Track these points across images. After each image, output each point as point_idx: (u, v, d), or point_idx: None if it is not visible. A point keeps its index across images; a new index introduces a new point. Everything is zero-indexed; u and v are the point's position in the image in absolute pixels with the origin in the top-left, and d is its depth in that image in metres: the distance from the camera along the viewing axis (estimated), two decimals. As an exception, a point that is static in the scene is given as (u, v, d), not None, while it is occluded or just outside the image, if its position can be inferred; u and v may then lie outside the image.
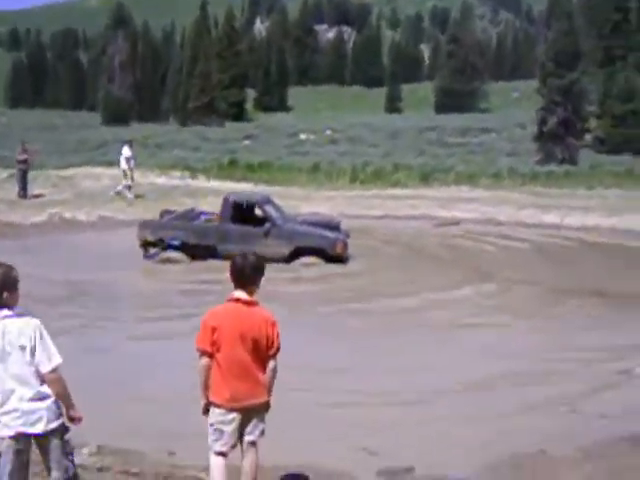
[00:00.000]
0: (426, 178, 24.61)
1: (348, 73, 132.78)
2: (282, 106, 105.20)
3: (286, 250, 14.48)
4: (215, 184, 24.33)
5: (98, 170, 28.88)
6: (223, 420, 5.15)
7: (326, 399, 7.61)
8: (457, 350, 9.50)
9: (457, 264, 14.90)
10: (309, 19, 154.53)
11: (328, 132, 53.78)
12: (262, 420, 5.31)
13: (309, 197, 21.53)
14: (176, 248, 14.55)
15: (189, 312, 10.84)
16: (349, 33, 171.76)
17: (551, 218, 17.89)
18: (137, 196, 22.40)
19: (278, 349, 5.24)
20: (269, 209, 14.86)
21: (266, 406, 5.30)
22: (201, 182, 25.28)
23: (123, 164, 23.42)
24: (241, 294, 5.26)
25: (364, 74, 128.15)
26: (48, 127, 75.75)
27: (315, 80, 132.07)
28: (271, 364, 5.24)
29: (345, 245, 14.61)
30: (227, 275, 5.17)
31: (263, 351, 5.16)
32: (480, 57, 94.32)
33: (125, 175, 23.42)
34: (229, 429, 5.14)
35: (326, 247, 14.39)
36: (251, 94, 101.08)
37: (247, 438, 5.23)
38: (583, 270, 14.31)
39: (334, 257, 14.42)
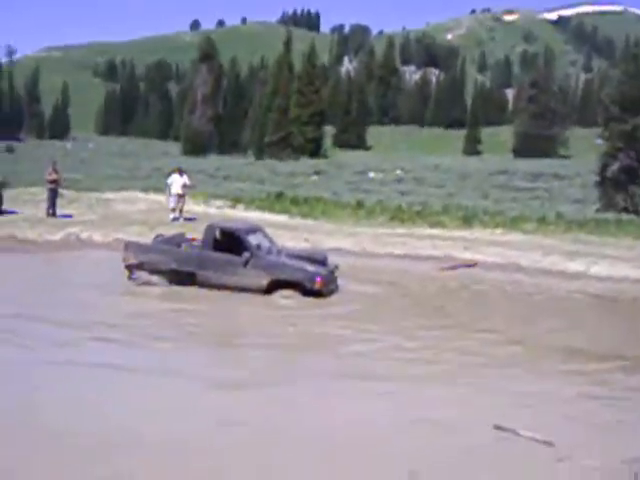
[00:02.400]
0: (469, 220, 24.33)
1: (430, 114, 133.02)
2: (361, 144, 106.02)
3: (264, 281, 14.23)
4: (248, 214, 24.72)
5: (139, 195, 29.78)
6: None
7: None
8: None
9: (438, 311, 13.78)
10: (396, 60, 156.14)
11: (398, 172, 53.75)
12: None
13: (337, 232, 21.53)
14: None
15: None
16: (436, 75, 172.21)
17: (576, 266, 17.25)
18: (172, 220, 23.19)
19: None
20: (250, 239, 14.74)
21: None
22: (237, 211, 25.74)
23: (169, 190, 24.39)
24: None
25: (446, 116, 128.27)
26: (129, 154, 78.52)
27: (396, 120, 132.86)
28: None
29: (325, 281, 14.31)
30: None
31: None
32: (562, 103, 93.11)
33: (169, 200, 24.45)
34: None
35: (304, 281, 14.08)
36: (331, 131, 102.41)
37: None
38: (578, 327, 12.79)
39: (313, 292, 14.14)
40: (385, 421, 7.95)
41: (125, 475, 6.33)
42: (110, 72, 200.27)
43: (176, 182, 24.64)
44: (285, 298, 14.04)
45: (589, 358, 10.84)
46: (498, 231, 22.38)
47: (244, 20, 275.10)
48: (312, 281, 14.07)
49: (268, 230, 16.36)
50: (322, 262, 14.99)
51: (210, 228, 15.12)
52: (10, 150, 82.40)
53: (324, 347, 11.20)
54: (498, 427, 7.64)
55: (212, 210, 26.07)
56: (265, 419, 7.91)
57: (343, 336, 11.67)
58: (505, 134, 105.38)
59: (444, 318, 13.12)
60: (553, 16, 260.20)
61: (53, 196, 24.06)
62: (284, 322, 12.52)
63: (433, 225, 23.54)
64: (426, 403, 8.68)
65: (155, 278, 14.74)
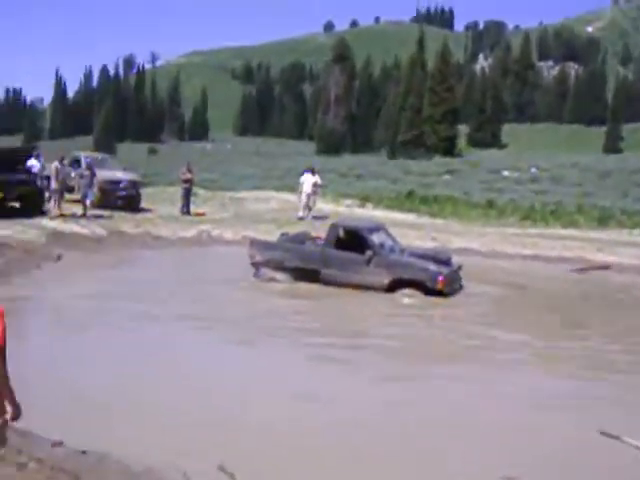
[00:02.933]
0: (605, 220, 23.30)
1: (568, 110, 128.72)
2: (495, 143, 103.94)
3: (386, 280, 14.17)
4: (376, 213, 24.69)
5: (272, 194, 30.36)
6: None
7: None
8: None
9: (554, 317, 12.89)
10: (533, 55, 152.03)
11: (533, 170, 52.31)
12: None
13: (465, 232, 21.12)
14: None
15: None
16: (575, 70, 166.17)
17: None
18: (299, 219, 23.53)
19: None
20: (373, 238, 14.68)
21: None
22: (365, 210, 25.78)
23: (302, 188, 24.85)
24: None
25: (585, 112, 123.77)
26: (265, 154, 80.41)
27: (533, 117, 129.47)
28: None
29: (447, 280, 14.05)
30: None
31: None
32: None
33: (300, 199, 24.96)
34: None
35: (426, 280, 13.90)
36: (465, 130, 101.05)
37: None
38: None
39: (435, 291, 13.93)
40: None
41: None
42: (247, 75, 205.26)
43: (307, 181, 25.07)
44: (408, 297, 13.97)
45: None
46: (636, 232, 21.40)
47: (377, 20, 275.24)
48: (434, 280, 13.94)
49: (395, 229, 16.33)
50: (446, 262, 14.82)
51: (334, 227, 15.27)
52: (153, 151, 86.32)
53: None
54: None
55: (341, 209, 26.28)
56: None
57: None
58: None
59: (573, 327, 12.52)
60: None
61: (187, 195, 24.93)
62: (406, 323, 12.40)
63: (566, 225, 22.76)
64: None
65: (280, 275, 15.04)
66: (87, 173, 22.24)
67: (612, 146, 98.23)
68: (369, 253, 14.40)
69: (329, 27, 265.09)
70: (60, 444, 6.36)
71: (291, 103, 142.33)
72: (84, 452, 6.28)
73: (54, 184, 21.43)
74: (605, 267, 17.47)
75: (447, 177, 49.24)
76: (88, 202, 21.86)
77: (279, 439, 7.02)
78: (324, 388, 8.67)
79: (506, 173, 51.36)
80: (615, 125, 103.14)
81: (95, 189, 22.61)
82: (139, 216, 22.93)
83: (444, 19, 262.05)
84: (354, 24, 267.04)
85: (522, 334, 11.76)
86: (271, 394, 8.32)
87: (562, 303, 14.28)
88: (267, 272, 15.14)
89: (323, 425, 7.48)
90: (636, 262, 17.38)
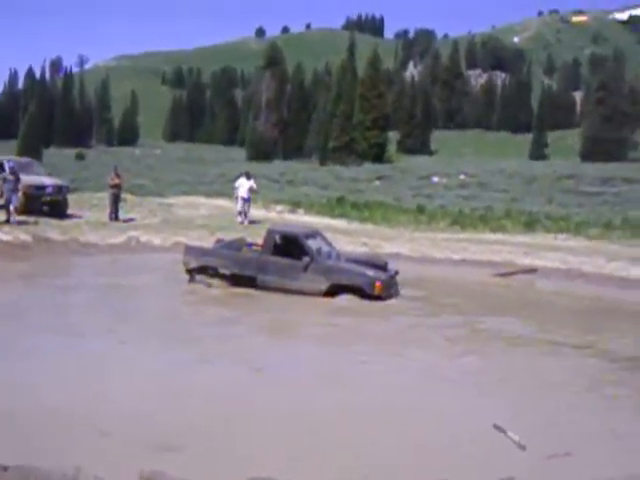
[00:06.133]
0: (532, 225, 23.85)
1: (495, 118, 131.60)
2: (425, 149, 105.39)
3: (323, 286, 14.22)
4: (307, 218, 24.78)
5: (201, 200, 30.18)
6: None
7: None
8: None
9: (470, 315, 13.39)
10: (461, 64, 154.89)
11: (462, 176, 53.22)
12: None
13: (396, 237, 21.35)
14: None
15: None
16: (502, 78, 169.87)
17: (639, 272, 16.80)
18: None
19: None
20: (309, 243, 14.71)
21: None
22: (296, 216, 25.83)
23: (236, 193, 24.83)
24: None
25: (512, 120, 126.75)
26: (195, 160, 79.63)
27: (462, 124, 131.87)
28: None
29: (385, 285, 14.20)
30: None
31: None
32: (633, 105, 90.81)
33: (235, 202, 24.96)
34: None
35: (364, 286, 14.02)
36: (395, 137, 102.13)
37: None
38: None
39: (372, 296, 14.05)
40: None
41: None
42: (177, 79, 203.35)
43: (243, 186, 24.95)
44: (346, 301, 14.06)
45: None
46: (561, 236, 21.95)
47: (308, 26, 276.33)
48: (372, 286, 14.03)
49: (326, 235, 16.35)
50: (382, 267, 14.92)
51: (270, 232, 15.21)
52: (80, 157, 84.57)
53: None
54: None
55: (272, 214, 26.24)
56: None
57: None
58: (573, 138, 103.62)
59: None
60: (624, 16, 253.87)
61: (116, 200, 24.51)
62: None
63: (495, 230, 23.20)
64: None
65: (215, 282, 14.90)
66: (11, 178, 21.62)
67: (537, 153, 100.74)
68: (306, 259, 14.40)
69: (260, 33, 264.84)
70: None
71: (222, 108, 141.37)
72: (5, 468, 6.05)
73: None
74: (531, 271, 17.84)
75: (377, 183, 49.72)
76: (12, 207, 21.27)
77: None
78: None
79: (435, 179, 52.11)
80: (540, 132, 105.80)
81: (19, 194, 22.03)
82: (66, 222, 22.41)
83: (375, 27, 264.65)
84: (285, 30, 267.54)
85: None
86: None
87: (476, 304, 14.74)
88: (202, 279, 14.99)
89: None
90: (560, 265, 17.85)
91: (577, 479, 6.46)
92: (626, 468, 6.57)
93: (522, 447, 7.19)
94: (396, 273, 15.02)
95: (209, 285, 14.84)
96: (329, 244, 15.73)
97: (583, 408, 8.70)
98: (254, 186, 25.50)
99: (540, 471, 6.67)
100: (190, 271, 15.18)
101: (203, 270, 15.08)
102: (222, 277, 14.94)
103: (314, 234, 15.66)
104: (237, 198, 24.92)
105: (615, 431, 7.80)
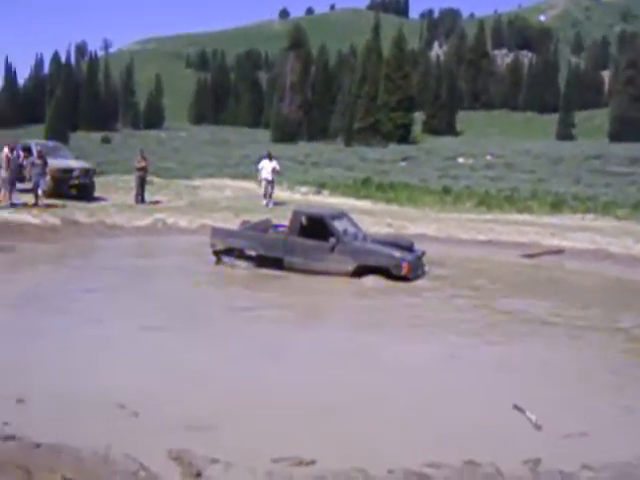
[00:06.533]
0: (558, 206, 23.60)
1: (521, 98, 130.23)
2: (450, 130, 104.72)
3: (350, 267, 14.28)
4: (332, 200, 24.72)
5: (227, 182, 30.17)
6: None
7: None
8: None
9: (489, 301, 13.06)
10: (487, 43, 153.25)
11: (488, 157, 52.94)
12: None
13: (421, 218, 21.23)
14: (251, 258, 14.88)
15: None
16: (529, 58, 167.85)
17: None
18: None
19: None
20: (336, 225, 14.71)
21: None
22: (321, 197, 25.76)
23: (260, 175, 24.87)
24: None
25: (538, 99, 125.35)
26: (221, 142, 79.81)
27: (488, 105, 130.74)
28: None
29: (411, 266, 14.16)
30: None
31: None
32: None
33: (259, 184, 25.03)
34: None
35: (390, 267, 14.03)
36: (420, 117, 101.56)
37: None
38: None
39: (399, 277, 14.03)
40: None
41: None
42: (202, 62, 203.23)
43: (265, 167, 24.97)
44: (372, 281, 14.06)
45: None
46: (588, 217, 21.71)
47: (333, 7, 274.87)
48: (398, 267, 14.03)
49: (352, 216, 16.34)
50: (408, 248, 14.90)
51: (296, 214, 15.21)
52: (106, 140, 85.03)
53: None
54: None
55: (297, 196, 26.20)
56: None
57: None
58: (601, 118, 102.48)
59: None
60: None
61: (142, 183, 24.63)
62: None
63: (521, 211, 23.00)
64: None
65: (242, 263, 14.97)
66: (39, 162, 21.86)
67: (564, 133, 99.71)
68: (333, 240, 14.42)
69: (284, 14, 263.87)
70: (12, 438, 6.22)
71: (246, 91, 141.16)
72: (38, 445, 6.15)
73: (4, 173, 21.05)
74: (558, 252, 17.70)
75: (403, 164, 49.54)
76: (40, 191, 21.50)
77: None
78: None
79: (461, 160, 51.86)
80: (567, 112, 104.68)
81: (47, 178, 22.25)
82: (93, 205, 22.59)
83: (399, 7, 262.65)
84: (309, 11, 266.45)
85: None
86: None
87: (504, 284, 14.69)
88: (229, 260, 15.07)
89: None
90: (588, 246, 17.67)
91: (591, 459, 6.45)
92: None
93: (538, 427, 7.20)
94: (423, 254, 15.01)
95: (236, 267, 14.90)
96: (355, 225, 15.72)
97: (603, 388, 8.67)
98: (277, 167, 25.50)
99: (555, 450, 6.66)
100: (217, 253, 15.27)
101: (230, 252, 15.15)
102: (249, 259, 14.99)
103: (340, 215, 15.67)
104: (261, 180, 24.96)
105: (630, 409, 7.79)
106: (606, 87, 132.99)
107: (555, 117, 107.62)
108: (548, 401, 8.01)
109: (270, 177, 24.77)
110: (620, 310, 12.47)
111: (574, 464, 6.27)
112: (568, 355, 9.95)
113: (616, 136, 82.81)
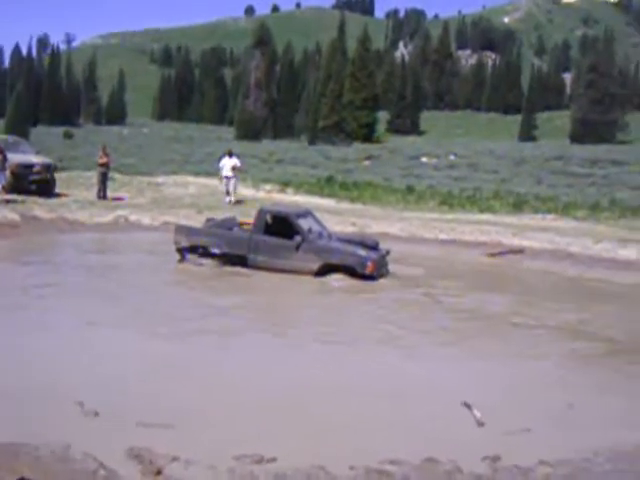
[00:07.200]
0: (520, 206, 23.91)
1: (485, 99, 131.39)
2: (414, 130, 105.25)
3: (314, 265, 14.29)
4: (296, 198, 24.76)
5: (190, 179, 30.07)
6: None
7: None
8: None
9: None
10: (451, 44, 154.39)
11: (452, 157, 53.30)
12: None
13: (385, 217, 21.34)
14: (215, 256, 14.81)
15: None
16: (492, 59, 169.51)
17: (626, 253, 16.84)
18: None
19: None
20: (301, 223, 14.72)
21: None
22: (285, 196, 25.79)
23: (222, 173, 24.83)
24: None
25: (501, 100, 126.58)
26: (184, 139, 79.21)
27: (451, 105, 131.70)
28: None
29: (376, 265, 14.24)
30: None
31: None
32: (622, 87, 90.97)
33: (220, 181, 25.02)
34: None
35: (355, 265, 14.10)
36: (385, 117, 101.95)
37: None
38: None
39: (364, 276, 14.09)
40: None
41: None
42: (166, 58, 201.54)
43: (226, 165, 24.92)
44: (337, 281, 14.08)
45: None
46: (549, 217, 22.01)
47: (299, 5, 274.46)
48: (363, 265, 14.07)
49: (315, 214, 16.36)
50: (373, 247, 14.95)
51: (261, 212, 15.17)
52: (68, 135, 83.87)
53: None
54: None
55: (261, 194, 26.19)
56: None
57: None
58: (562, 119, 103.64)
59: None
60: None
61: (104, 179, 24.39)
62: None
63: (483, 211, 23.23)
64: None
65: (206, 261, 14.88)
66: (-2, 157, 21.55)
67: (527, 134, 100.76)
68: (298, 239, 14.41)
69: (250, 11, 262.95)
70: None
71: (211, 88, 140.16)
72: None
73: (-37, 168, 20.74)
74: (518, 251, 17.94)
75: (367, 163, 49.66)
76: (-1, 186, 21.22)
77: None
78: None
79: (425, 160, 52.14)
80: (530, 114, 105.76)
81: (7, 173, 21.93)
82: (53, 201, 22.30)
83: (365, 6, 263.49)
84: (275, 9, 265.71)
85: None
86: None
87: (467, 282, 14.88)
88: (193, 258, 14.97)
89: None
90: (548, 246, 17.92)
91: (532, 455, 6.56)
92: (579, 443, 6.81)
93: (481, 424, 7.30)
94: (387, 253, 15.07)
95: (199, 264, 14.82)
96: (320, 224, 15.72)
97: (550, 384, 8.84)
98: (238, 164, 25.43)
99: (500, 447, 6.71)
100: (181, 250, 15.17)
101: (194, 249, 15.06)
102: (213, 256, 14.91)
103: (305, 214, 15.66)
104: (222, 178, 24.94)
105: (573, 406, 7.92)
106: (568, 89, 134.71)
107: (518, 118, 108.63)
108: (494, 398, 8.14)
109: (230, 174, 24.72)
110: (573, 309, 12.69)
111: (523, 460, 6.36)
112: (517, 351, 10.14)
113: (577, 138, 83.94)
